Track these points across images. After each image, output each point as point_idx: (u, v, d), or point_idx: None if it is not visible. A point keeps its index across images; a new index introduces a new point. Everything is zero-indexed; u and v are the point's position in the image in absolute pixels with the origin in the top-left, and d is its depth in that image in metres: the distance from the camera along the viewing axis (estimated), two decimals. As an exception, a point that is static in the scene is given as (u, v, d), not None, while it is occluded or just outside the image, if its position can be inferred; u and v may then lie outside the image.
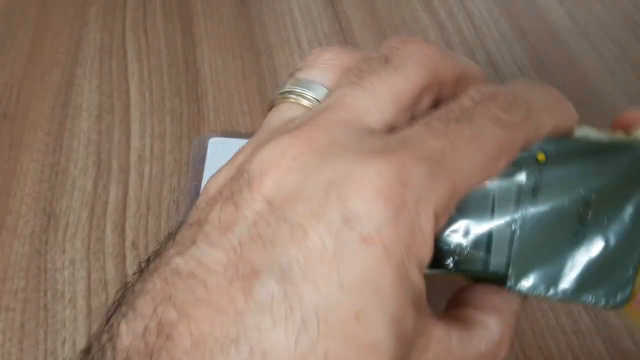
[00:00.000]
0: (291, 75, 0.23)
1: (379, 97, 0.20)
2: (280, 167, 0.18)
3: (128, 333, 0.17)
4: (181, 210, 0.41)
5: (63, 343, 0.35)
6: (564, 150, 0.22)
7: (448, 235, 0.22)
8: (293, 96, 0.22)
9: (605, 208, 0.22)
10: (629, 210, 0.22)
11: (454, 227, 0.22)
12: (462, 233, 0.22)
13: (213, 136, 0.43)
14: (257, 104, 0.46)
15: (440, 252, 0.22)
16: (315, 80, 0.22)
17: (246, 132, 0.44)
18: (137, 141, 0.44)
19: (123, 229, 0.40)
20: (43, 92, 0.46)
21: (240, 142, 0.41)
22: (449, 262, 0.22)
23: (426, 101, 0.21)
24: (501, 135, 0.20)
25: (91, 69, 0.48)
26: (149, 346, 0.17)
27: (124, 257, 0.39)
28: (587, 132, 0.24)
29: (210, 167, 0.42)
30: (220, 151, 0.42)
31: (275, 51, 0.50)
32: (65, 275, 0.38)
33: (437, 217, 0.19)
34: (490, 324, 0.21)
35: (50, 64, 0.48)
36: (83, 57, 0.49)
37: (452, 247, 0.22)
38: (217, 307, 0.17)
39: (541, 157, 0.22)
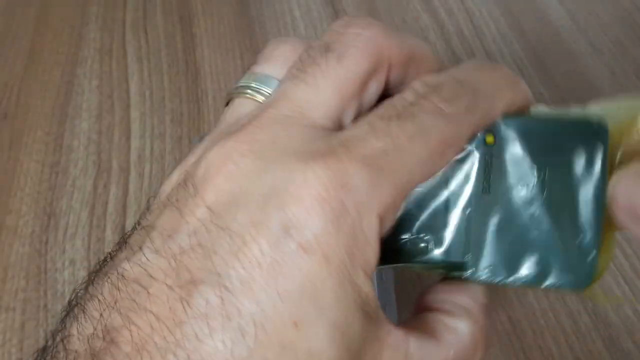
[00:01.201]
0: (248, 68, 0.23)
1: (321, 90, 0.20)
2: (221, 173, 0.18)
3: (78, 335, 0.17)
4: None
5: (63, 343, 0.35)
6: (515, 129, 0.22)
7: (401, 228, 0.21)
8: (249, 91, 0.22)
9: (562, 187, 0.21)
10: (587, 188, 0.21)
11: (406, 219, 0.21)
12: (416, 225, 0.21)
13: (213, 136, 0.43)
14: (257, 104, 0.46)
15: (395, 245, 0.21)
16: (271, 74, 0.22)
17: (246, 132, 0.44)
18: (137, 141, 0.44)
19: (123, 229, 0.40)
20: (43, 92, 0.46)
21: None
22: (405, 255, 0.21)
23: (374, 86, 0.21)
24: (445, 128, 0.19)
25: (91, 69, 0.48)
26: (94, 349, 0.17)
27: (124, 257, 0.39)
28: (541, 110, 0.23)
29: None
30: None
31: (275, 51, 0.50)
32: (65, 275, 0.38)
33: (382, 219, 0.18)
34: (460, 328, 0.21)
35: (50, 64, 0.48)
36: (83, 57, 0.49)
37: (407, 240, 0.21)
38: (157, 315, 0.17)
39: (490, 139, 0.21)
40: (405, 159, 0.19)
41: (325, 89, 0.20)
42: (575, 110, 0.23)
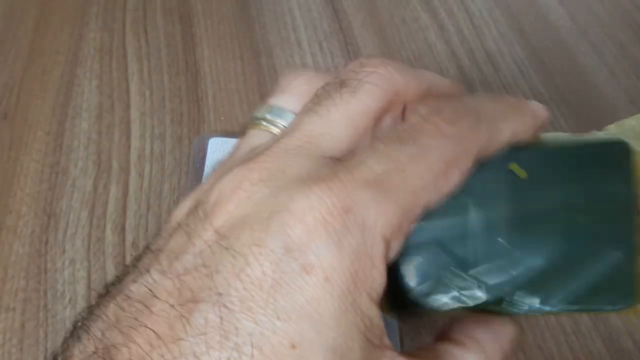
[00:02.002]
0: (265, 100, 0.23)
1: (333, 122, 0.20)
2: (232, 200, 0.19)
3: (79, 355, 0.18)
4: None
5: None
6: (538, 157, 0.21)
7: (425, 270, 0.21)
8: (264, 123, 0.22)
9: (594, 210, 0.21)
10: (618, 207, 0.21)
11: (433, 257, 0.21)
12: (443, 264, 0.21)
13: (213, 136, 0.43)
14: (257, 104, 0.46)
15: (420, 292, 0.21)
16: (286, 107, 0.22)
17: (246, 132, 0.44)
18: (137, 141, 0.44)
19: (123, 229, 0.40)
20: (43, 92, 0.46)
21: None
22: (435, 301, 0.21)
23: (389, 121, 0.21)
24: (447, 148, 0.19)
25: (91, 69, 0.48)
26: None
27: (124, 257, 0.39)
28: (557, 136, 0.22)
29: (211, 167, 0.42)
30: (220, 151, 0.42)
31: (275, 51, 0.50)
32: (65, 275, 0.38)
33: (387, 242, 0.18)
34: None
35: (50, 64, 0.48)
36: (83, 57, 0.49)
37: (440, 282, 0.21)
38: (157, 332, 0.17)
39: (514, 167, 0.21)
40: (407, 180, 0.19)
41: (338, 122, 0.20)
42: (593, 135, 0.23)
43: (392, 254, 0.19)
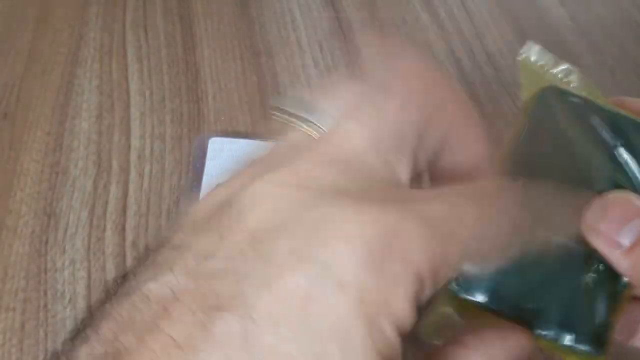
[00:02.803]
0: (302, 99, 0.22)
1: (379, 133, 0.19)
2: (270, 202, 0.18)
3: (86, 357, 0.17)
4: (181, 210, 0.41)
5: (63, 343, 0.35)
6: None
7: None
8: (304, 126, 0.21)
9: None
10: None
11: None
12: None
13: (213, 136, 0.43)
14: (257, 104, 0.46)
15: None
16: (328, 110, 0.21)
17: (246, 132, 0.44)
18: (137, 141, 0.44)
19: (123, 229, 0.40)
20: (43, 92, 0.46)
21: (240, 142, 0.41)
22: None
23: (433, 135, 0.21)
24: None
25: (91, 69, 0.48)
26: None
27: (124, 257, 0.39)
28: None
29: (210, 167, 0.42)
30: (220, 151, 0.42)
31: (275, 51, 0.50)
32: (65, 275, 0.38)
33: (421, 280, 0.18)
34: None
35: (50, 64, 0.48)
36: (83, 57, 0.49)
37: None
38: (174, 338, 0.16)
39: None
40: (461, 229, 0.18)
41: (383, 133, 0.20)
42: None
43: (423, 296, 0.18)
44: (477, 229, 0.19)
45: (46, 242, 0.39)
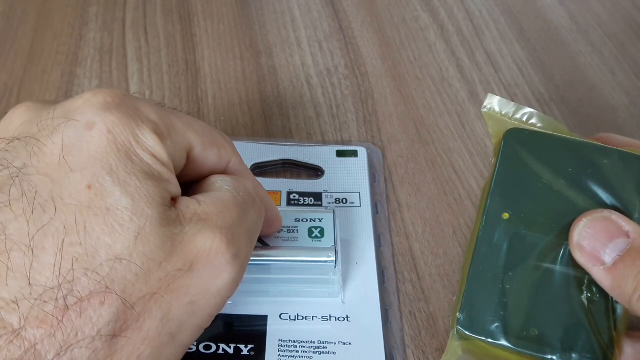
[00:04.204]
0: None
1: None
2: (16, 113, 0.25)
3: None
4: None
5: (63, 343, 0.35)
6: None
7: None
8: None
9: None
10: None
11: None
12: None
13: (213, 136, 0.43)
14: (257, 104, 0.46)
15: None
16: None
17: (246, 132, 0.44)
18: (137, 141, 0.44)
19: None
20: (43, 92, 0.46)
21: (240, 142, 0.41)
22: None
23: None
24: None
25: (91, 69, 0.48)
26: None
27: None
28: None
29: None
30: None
31: (275, 51, 0.50)
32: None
33: (157, 126, 0.23)
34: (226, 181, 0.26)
35: (50, 64, 0.48)
36: (83, 57, 0.49)
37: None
38: None
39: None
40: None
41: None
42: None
43: (169, 146, 0.24)
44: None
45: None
